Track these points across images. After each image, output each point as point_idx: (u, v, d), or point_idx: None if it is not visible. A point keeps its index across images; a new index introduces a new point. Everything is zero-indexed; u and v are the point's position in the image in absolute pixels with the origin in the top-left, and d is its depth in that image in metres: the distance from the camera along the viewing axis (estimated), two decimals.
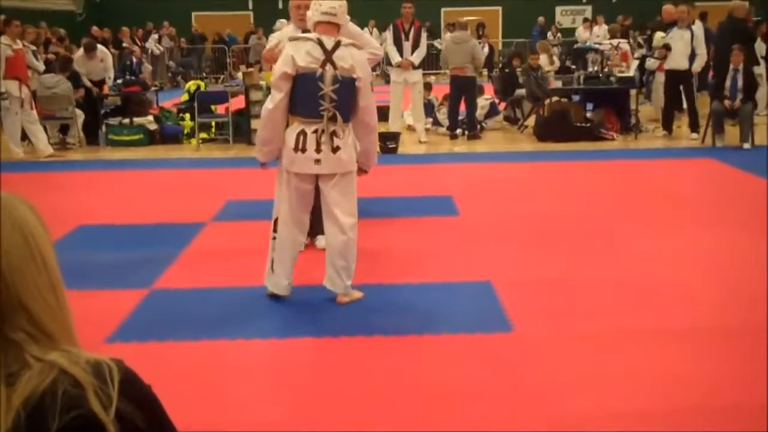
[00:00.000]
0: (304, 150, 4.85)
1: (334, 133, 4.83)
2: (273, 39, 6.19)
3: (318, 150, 4.83)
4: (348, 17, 5.16)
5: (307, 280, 5.41)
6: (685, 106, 12.18)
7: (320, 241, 5.92)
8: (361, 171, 5.18)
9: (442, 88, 13.90)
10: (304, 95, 4.83)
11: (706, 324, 4.73)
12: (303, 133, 4.85)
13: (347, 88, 4.81)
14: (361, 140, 5.05)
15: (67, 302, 1.22)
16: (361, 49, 5.02)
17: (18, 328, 1.13)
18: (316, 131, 4.83)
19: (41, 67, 13.00)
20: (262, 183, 7.03)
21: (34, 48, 13.44)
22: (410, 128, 12.50)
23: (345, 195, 5.01)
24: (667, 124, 12.03)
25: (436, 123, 12.96)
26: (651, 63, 12.90)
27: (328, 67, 4.78)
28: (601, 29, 19.77)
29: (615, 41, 14.07)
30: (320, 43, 4.81)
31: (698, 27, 12.11)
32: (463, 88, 12.11)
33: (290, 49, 4.86)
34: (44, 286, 1.17)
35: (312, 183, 5.02)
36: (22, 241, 1.16)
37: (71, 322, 1.21)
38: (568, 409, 3.70)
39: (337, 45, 4.83)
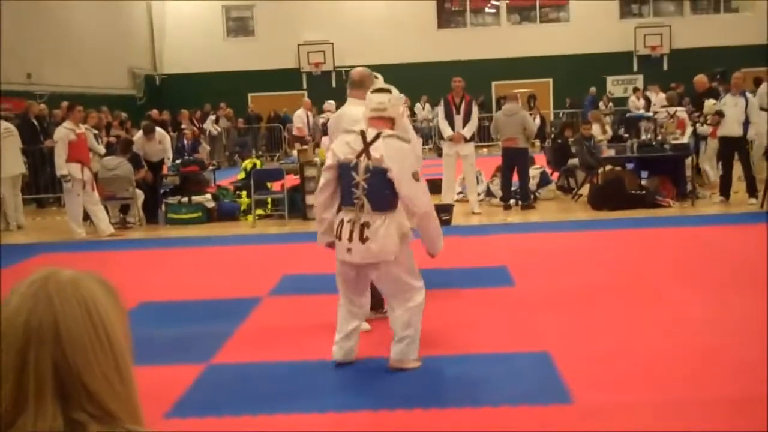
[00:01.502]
0: (340, 237, 5.01)
1: (365, 224, 4.93)
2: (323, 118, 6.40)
3: (350, 239, 4.96)
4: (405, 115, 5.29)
5: (369, 351, 5.41)
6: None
7: (365, 324, 5.78)
8: (429, 254, 5.29)
9: (490, 161, 13.94)
10: (344, 184, 5.05)
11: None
12: (342, 220, 5.02)
13: (378, 178, 4.92)
14: (418, 228, 5.17)
15: (134, 381, 1.21)
16: (405, 141, 5.10)
17: (80, 408, 1.14)
18: (350, 220, 4.98)
19: (102, 150, 13.41)
20: (317, 257, 7.09)
21: (95, 132, 13.87)
22: (461, 200, 12.53)
23: (390, 283, 5.12)
24: (725, 189, 11.87)
25: (489, 194, 12.98)
26: (703, 129, 12.80)
27: (363, 157, 4.93)
28: (658, 98, 19.81)
29: (672, 109, 13.97)
30: (362, 135, 4.97)
31: (751, 95, 11.88)
32: (515, 159, 12.17)
33: (335, 142, 5.16)
34: (107, 365, 1.16)
35: (353, 269, 5.12)
36: (87, 319, 1.16)
37: (136, 401, 1.20)
38: None
39: (377, 136, 4.95)
